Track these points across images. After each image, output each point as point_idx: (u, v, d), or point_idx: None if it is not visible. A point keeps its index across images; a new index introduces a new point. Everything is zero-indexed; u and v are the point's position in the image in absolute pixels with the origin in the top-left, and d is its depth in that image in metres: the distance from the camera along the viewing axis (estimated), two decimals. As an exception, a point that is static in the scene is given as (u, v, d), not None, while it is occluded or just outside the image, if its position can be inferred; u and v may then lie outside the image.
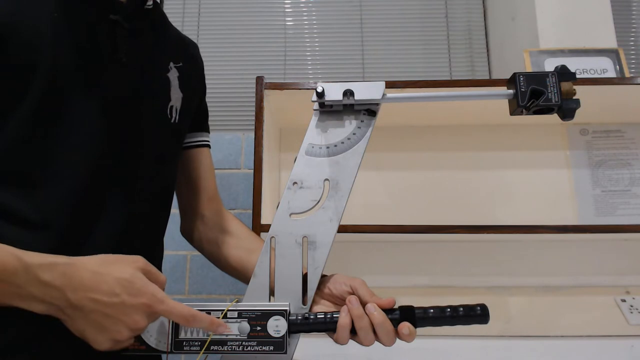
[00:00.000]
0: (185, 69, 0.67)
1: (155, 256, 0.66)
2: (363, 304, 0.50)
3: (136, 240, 0.58)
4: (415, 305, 0.52)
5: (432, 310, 0.50)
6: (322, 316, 0.50)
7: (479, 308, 0.50)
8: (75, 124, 0.51)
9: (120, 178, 0.56)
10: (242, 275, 0.68)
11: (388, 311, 0.50)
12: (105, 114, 0.54)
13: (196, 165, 0.74)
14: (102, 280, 0.44)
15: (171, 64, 0.64)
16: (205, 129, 0.77)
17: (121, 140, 0.56)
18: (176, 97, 0.64)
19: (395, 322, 0.49)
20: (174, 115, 0.63)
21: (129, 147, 0.57)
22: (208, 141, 0.77)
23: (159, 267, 0.69)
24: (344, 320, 0.49)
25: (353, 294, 0.52)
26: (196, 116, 0.73)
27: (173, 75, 0.64)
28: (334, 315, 0.50)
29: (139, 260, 0.47)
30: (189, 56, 0.69)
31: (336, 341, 0.50)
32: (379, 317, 0.49)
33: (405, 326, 0.49)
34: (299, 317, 0.50)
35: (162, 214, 0.66)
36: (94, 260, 0.46)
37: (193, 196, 0.74)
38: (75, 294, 0.44)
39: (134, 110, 0.57)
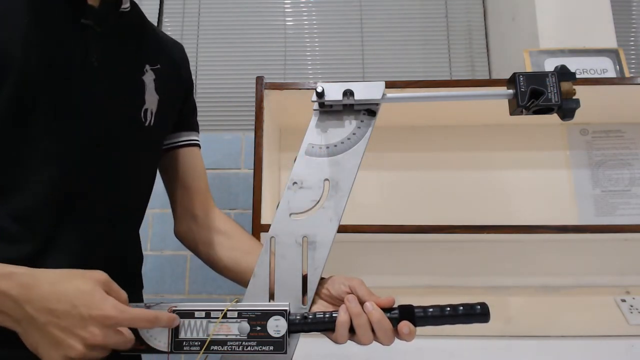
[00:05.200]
0: (163, 70, 0.66)
1: (131, 258, 0.67)
2: (362, 303, 0.50)
3: (108, 244, 0.58)
4: (415, 305, 0.52)
5: (431, 310, 0.50)
6: (321, 315, 0.50)
7: (479, 307, 0.50)
8: (43, 130, 0.51)
9: (90, 183, 0.56)
10: (238, 277, 0.67)
11: (387, 310, 0.50)
12: (74, 119, 0.54)
13: (186, 166, 0.73)
14: (60, 292, 0.43)
15: (147, 67, 0.63)
16: (193, 128, 0.76)
17: (91, 144, 0.55)
18: (152, 99, 0.63)
19: (395, 321, 0.49)
20: (148, 118, 0.63)
21: (99, 151, 0.56)
22: (197, 140, 0.76)
23: (137, 271, 0.69)
24: (342, 317, 0.49)
25: (352, 294, 0.52)
26: (183, 115, 0.73)
27: (149, 78, 0.63)
28: (333, 315, 0.50)
29: (101, 276, 0.46)
30: (169, 58, 0.69)
31: (335, 340, 0.50)
32: (377, 315, 0.49)
33: (405, 325, 0.48)
34: (298, 317, 0.50)
35: (135, 217, 0.66)
36: (54, 273, 0.45)
37: (185, 197, 0.73)
38: (31, 305, 0.42)
39: (104, 114, 0.57)
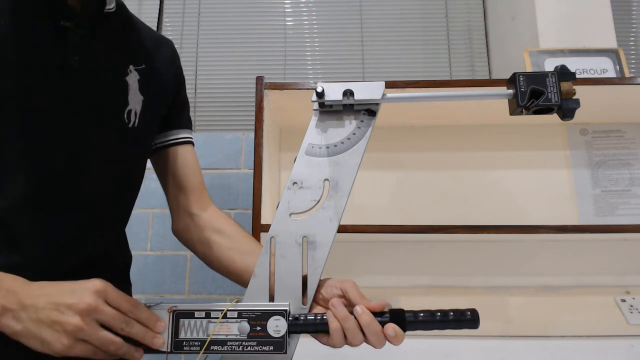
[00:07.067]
0: (149, 70, 0.65)
1: (117, 257, 0.67)
2: (352, 306, 0.50)
3: (89, 244, 0.58)
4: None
5: (422, 314, 0.50)
6: (312, 317, 0.50)
7: (469, 313, 0.50)
8: (17, 132, 0.51)
9: (67, 185, 0.56)
10: (236, 277, 0.67)
11: (378, 314, 0.50)
12: (51, 123, 0.54)
13: (178, 164, 0.73)
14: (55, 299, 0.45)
15: (131, 67, 0.63)
16: (184, 125, 0.75)
17: (68, 147, 0.55)
18: (135, 100, 0.63)
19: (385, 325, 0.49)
20: (132, 119, 0.62)
21: (76, 155, 0.56)
22: (189, 137, 0.75)
23: (124, 269, 0.69)
24: (334, 324, 0.49)
25: (344, 296, 0.52)
26: (172, 112, 0.72)
27: (132, 78, 0.63)
28: (324, 317, 0.50)
29: (94, 285, 0.47)
30: (155, 56, 0.68)
31: (332, 345, 0.50)
32: (366, 318, 0.49)
33: (390, 327, 0.48)
34: (290, 319, 0.50)
35: (119, 218, 0.66)
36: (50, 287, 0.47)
37: (180, 195, 0.73)
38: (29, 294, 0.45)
39: (84, 116, 0.57)
